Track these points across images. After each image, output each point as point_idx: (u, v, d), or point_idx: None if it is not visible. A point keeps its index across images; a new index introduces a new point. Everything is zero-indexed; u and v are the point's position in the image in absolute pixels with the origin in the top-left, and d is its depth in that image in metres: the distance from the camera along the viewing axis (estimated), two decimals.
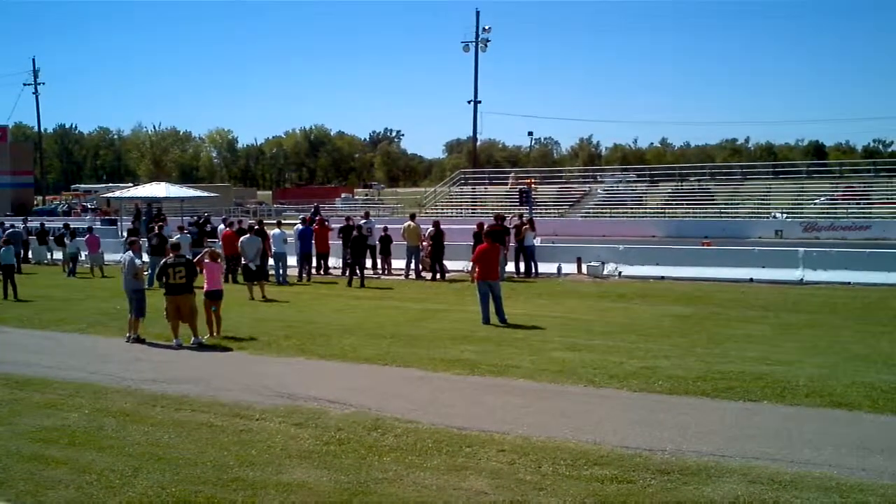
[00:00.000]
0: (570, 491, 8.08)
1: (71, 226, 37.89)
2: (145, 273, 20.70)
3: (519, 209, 45.53)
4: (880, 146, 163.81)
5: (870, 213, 49.68)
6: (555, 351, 14.98)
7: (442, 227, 28.33)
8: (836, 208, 51.70)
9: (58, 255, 35.65)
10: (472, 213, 57.43)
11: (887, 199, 52.19)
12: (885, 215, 48.33)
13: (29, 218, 49.99)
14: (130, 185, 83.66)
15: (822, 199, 54.34)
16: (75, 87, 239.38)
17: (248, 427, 10.45)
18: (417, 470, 8.74)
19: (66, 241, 33.32)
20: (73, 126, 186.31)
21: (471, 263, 19.58)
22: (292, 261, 28.18)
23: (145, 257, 24.25)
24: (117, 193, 56.52)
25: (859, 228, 44.93)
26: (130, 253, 17.60)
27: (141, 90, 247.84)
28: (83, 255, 32.77)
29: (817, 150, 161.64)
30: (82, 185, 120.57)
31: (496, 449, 9.36)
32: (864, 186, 55.86)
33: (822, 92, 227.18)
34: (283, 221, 30.13)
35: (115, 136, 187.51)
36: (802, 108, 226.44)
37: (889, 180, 56.55)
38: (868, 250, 27.78)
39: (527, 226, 28.34)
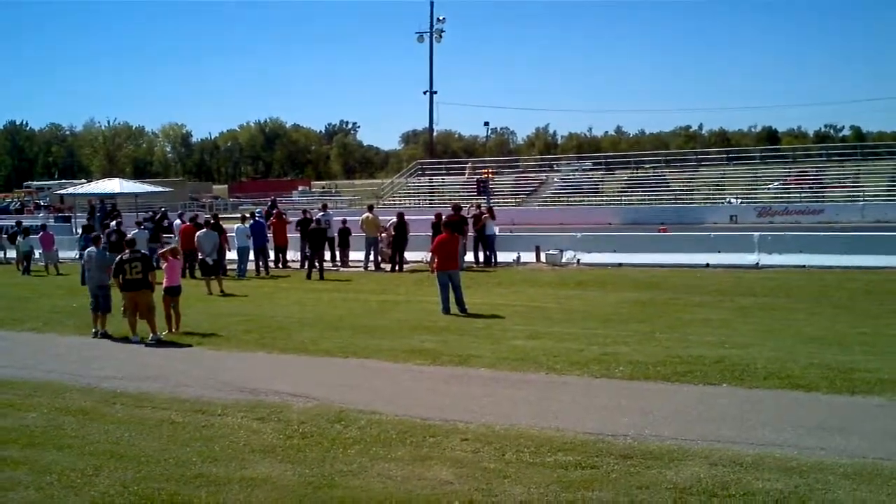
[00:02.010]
0: (534, 478, 8.10)
1: (24, 223, 37.34)
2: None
3: (476, 199, 45.64)
4: (831, 131, 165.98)
5: (822, 196, 50.33)
6: (515, 339, 15.02)
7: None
8: (789, 193, 52.34)
9: (11, 253, 35.09)
10: (430, 203, 57.37)
11: (839, 182, 52.93)
12: (837, 199, 49.01)
13: None
14: (84, 181, 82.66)
15: (776, 184, 55.01)
16: (25, 84, 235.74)
17: (209, 423, 10.38)
18: (382, 461, 8.73)
19: (20, 239, 32.80)
20: (24, 123, 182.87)
21: (430, 254, 19.57)
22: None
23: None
24: (71, 190, 55.79)
25: (812, 212, 45.53)
26: (93, 248, 17.44)
27: (92, 85, 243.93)
28: (37, 253, 32.34)
29: (770, 136, 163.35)
30: (35, 182, 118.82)
31: (460, 438, 9.38)
32: (817, 171, 56.64)
33: (774, 78, 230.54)
34: (246, 216, 29.87)
35: (68, 133, 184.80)
36: (755, 95, 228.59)
37: (840, 164, 57.46)
38: (822, 233, 28.18)
39: (487, 214, 28.39)
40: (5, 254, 36.63)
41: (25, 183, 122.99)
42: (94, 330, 16.87)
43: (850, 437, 8.94)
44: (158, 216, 33.21)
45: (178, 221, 31.05)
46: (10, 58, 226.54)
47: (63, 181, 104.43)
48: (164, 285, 16.95)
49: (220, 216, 30.46)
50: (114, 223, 29.95)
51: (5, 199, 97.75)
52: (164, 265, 17.40)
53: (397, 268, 27.42)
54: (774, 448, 8.67)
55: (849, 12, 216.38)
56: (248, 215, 30.30)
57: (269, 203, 41.67)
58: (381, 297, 21.34)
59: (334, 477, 8.32)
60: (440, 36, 71.89)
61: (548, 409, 10.45)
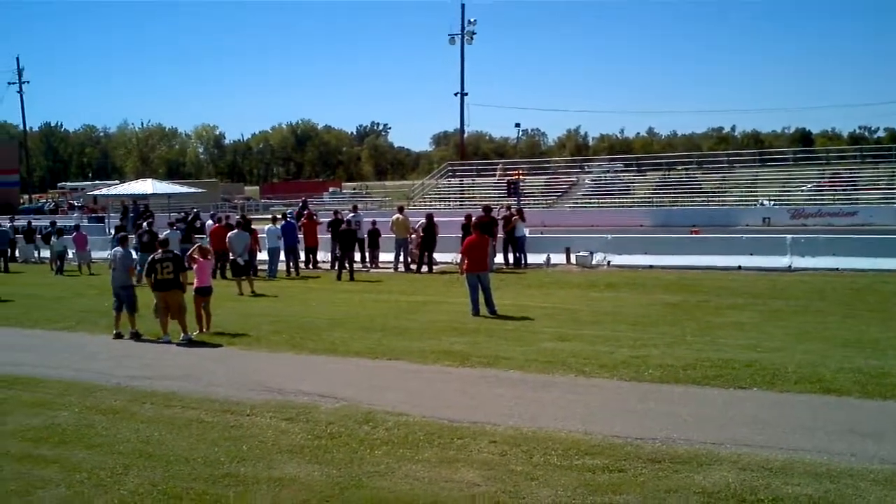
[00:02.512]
0: (561, 481, 8.08)
1: (58, 224, 37.70)
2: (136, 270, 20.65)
3: (507, 201, 45.55)
4: (866, 133, 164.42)
5: (856, 199, 49.78)
6: (545, 341, 14.98)
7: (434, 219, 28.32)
8: (822, 195, 51.82)
9: (45, 253, 35.45)
10: (461, 205, 57.29)
11: (873, 185, 52.37)
12: (871, 201, 48.48)
13: (15, 217, 49.73)
14: (117, 182, 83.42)
15: (809, 185, 54.49)
16: (60, 85, 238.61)
17: (238, 423, 10.43)
18: (409, 463, 8.74)
19: (53, 239, 33.11)
20: (59, 124, 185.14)
21: (460, 255, 19.55)
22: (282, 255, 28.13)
23: (134, 254, 24.16)
24: (104, 191, 56.34)
25: (846, 215, 45.04)
26: (120, 248, 17.59)
27: (127, 87, 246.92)
28: (70, 253, 32.65)
29: (804, 138, 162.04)
30: (69, 183, 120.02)
31: (487, 440, 9.36)
32: (851, 173, 56.02)
33: (808, 79, 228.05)
34: (277, 217, 30.06)
35: (102, 134, 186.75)
36: (788, 96, 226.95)
37: (875, 166, 56.80)
38: (855, 236, 27.91)
39: (517, 216, 28.34)
40: (39, 254, 37.07)
41: (59, 184, 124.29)
42: (115, 331, 16.98)
43: (881, 443, 8.85)
44: (191, 217, 33.42)
45: (209, 222, 31.24)
46: (46, 60, 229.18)
47: (96, 182, 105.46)
48: (194, 286, 17.05)
49: (248, 217, 30.61)
50: (145, 223, 30.16)
51: (40, 200, 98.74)
52: (194, 266, 17.49)
53: (426, 269, 27.43)
54: (804, 453, 8.59)
55: (884, 12, 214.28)
56: (279, 216, 30.46)
57: (300, 204, 41.84)
58: (411, 299, 21.36)
59: (361, 478, 8.34)
60: (471, 38, 71.84)
61: (576, 412, 10.42)
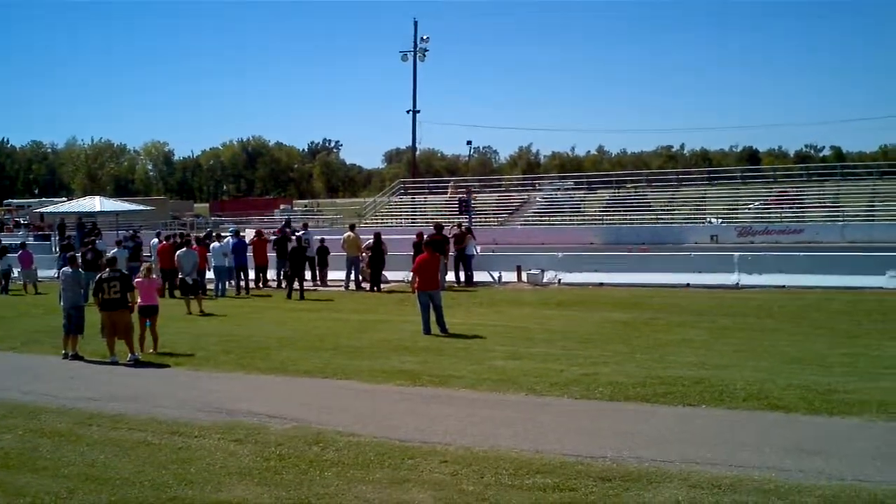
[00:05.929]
0: (512, 500, 8.06)
1: (3, 242, 37.02)
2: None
3: (458, 218, 45.60)
4: (812, 151, 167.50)
5: (803, 216, 50.48)
6: (496, 360, 14.99)
7: (383, 237, 28.25)
8: (769, 213, 52.50)
9: None
10: (412, 222, 57.18)
11: (819, 202, 53.16)
12: (817, 219, 49.18)
13: None
14: (64, 199, 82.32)
15: (756, 203, 55.15)
16: (7, 100, 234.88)
17: (186, 445, 10.29)
18: (360, 484, 8.66)
19: None
20: (5, 140, 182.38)
21: (411, 274, 19.53)
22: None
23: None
24: (51, 208, 55.49)
25: (793, 232, 45.64)
26: (68, 268, 17.34)
27: (75, 103, 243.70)
28: (16, 271, 32.09)
29: (751, 156, 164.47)
30: (14, 200, 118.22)
31: (438, 460, 9.32)
32: (797, 191, 56.80)
33: (755, 98, 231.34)
34: (223, 234, 29.78)
35: (49, 150, 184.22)
36: (736, 115, 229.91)
37: (821, 184, 57.67)
38: (802, 253, 28.29)
39: (469, 234, 28.42)
40: None
41: (6, 200, 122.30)
42: (63, 352, 16.71)
43: (829, 459, 8.94)
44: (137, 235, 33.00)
45: (154, 240, 30.86)
46: None
47: (43, 199, 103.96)
48: (139, 304, 16.78)
49: (198, 235, 30.26)
50: (90, 242, 29.72)
51: None
52: (135, 281, 17.20)
53: (376, 288, 27.31)
54: (753, 470, 8.65)
55: (829, 33, 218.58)
56: (224, 234, 30.17)
57: (284, 222, 39.37)
58: (362, 317, 21.25)
59: (311, 500, 8.26)
60: (424, 55, 71.92)
61: (527, 431, 10.41)
